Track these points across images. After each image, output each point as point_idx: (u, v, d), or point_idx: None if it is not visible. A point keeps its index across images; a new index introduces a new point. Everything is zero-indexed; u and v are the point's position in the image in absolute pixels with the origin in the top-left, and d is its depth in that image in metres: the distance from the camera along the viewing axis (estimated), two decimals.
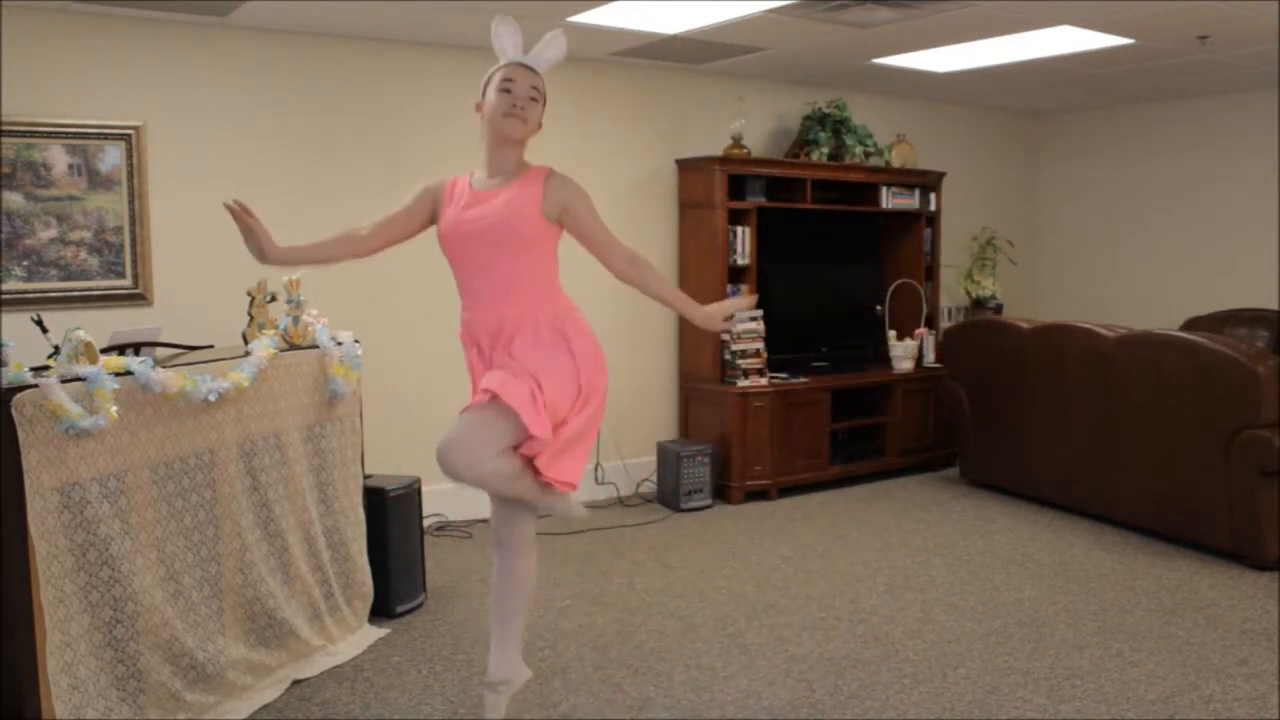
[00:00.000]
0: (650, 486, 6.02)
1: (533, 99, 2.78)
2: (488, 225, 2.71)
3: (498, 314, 2.74)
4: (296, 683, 3.42)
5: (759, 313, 5.94)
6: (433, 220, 2.87)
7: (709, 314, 3.02)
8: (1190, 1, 4.45)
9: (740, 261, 5.98)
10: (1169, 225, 7.27)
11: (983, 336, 5.94)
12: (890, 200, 6.60)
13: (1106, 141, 7.61)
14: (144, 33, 4.57)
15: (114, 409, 2.82)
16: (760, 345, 5.92)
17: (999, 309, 7.33)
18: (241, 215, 2.81)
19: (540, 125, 2.84)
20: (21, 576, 2.67)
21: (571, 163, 5.70)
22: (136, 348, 3.44)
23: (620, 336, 6.01)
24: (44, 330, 3.15)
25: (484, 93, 2.84)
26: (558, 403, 2.73)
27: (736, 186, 5.96)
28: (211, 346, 3.85)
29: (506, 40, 2.82)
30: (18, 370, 2.74)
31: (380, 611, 3.97)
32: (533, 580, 2.99)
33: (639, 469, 6.06)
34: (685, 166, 6.08)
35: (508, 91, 2.76)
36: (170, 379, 3.01)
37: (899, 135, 6.89)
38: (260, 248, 2.81)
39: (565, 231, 2.82)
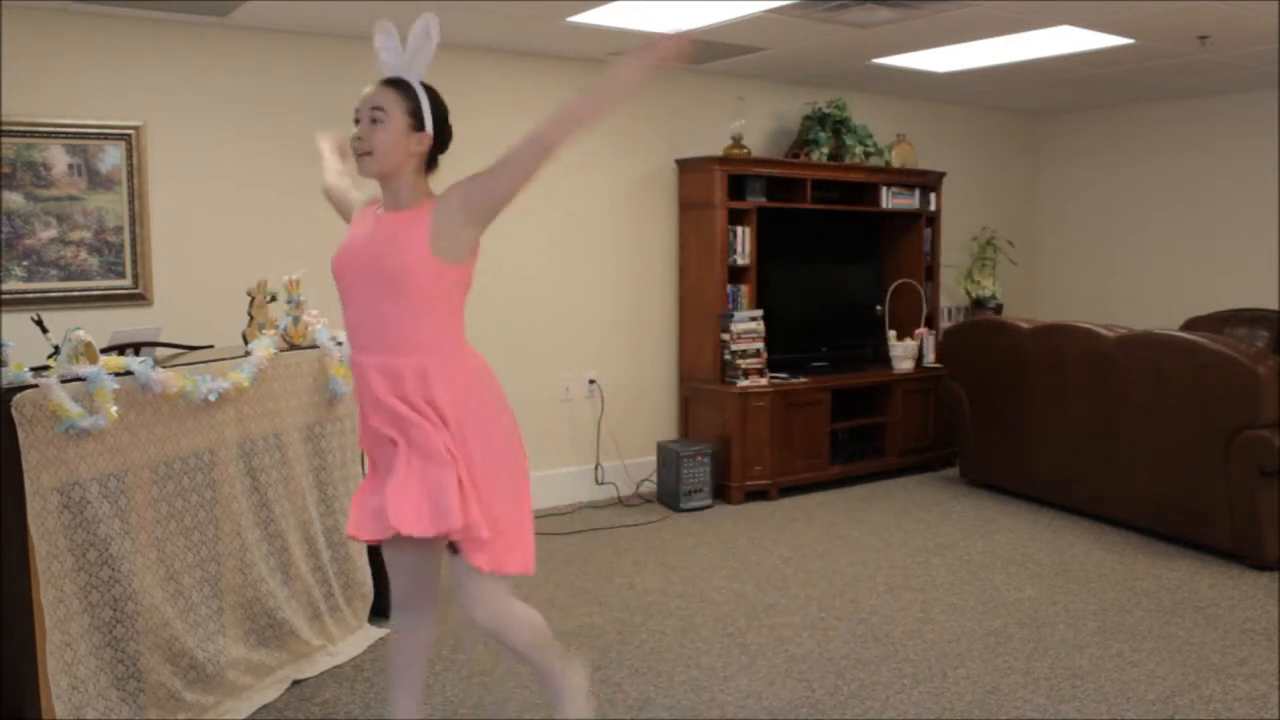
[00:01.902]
0: (650, 486, 6.02)
1: (374, 120, 2.32)
2: (375, 256, 2.30)
3: (387, 367, 2.32)
4: (296, 683, 3.42)
5: (759, 313, 5.95)
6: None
7: (626, 72, 2.38)
8: (1190, 1, 4.45)
9: (740, 261, 5.98)
10: (1169, 225, 7.27)
11: (983, 336, 5.94)
12: (890, 200, 6.60)
13: (1106, 141, 7.61)
14: (144, 33, 4.57)
15: (114, 409, 2.82)
16: (760, 345, 5.92)
17: (999, 309, 7.33)
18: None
19: (416, 143, 2.35)
20: (21, 576, 2.67)
21: (572, 163, 5.75)
22: (136, 348, 3.44)
23: (620, 337, 6.02)
24: (44, 330, 3.15)
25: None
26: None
27: (736, 186, 5.96)
28: (211, 346, 3.84)
29: (381, 50, 2.39)
30: (18, 370, 2.74)
31: (380, 611, 3.96)
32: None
33: (639, 469, 6.06)
34: (685, 166, 6.08)
35: (356, 122, 2.35)
36: (170, 379, 3.01)
37: (899, 135, 6.89)
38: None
39: (481, 213, 2.31)
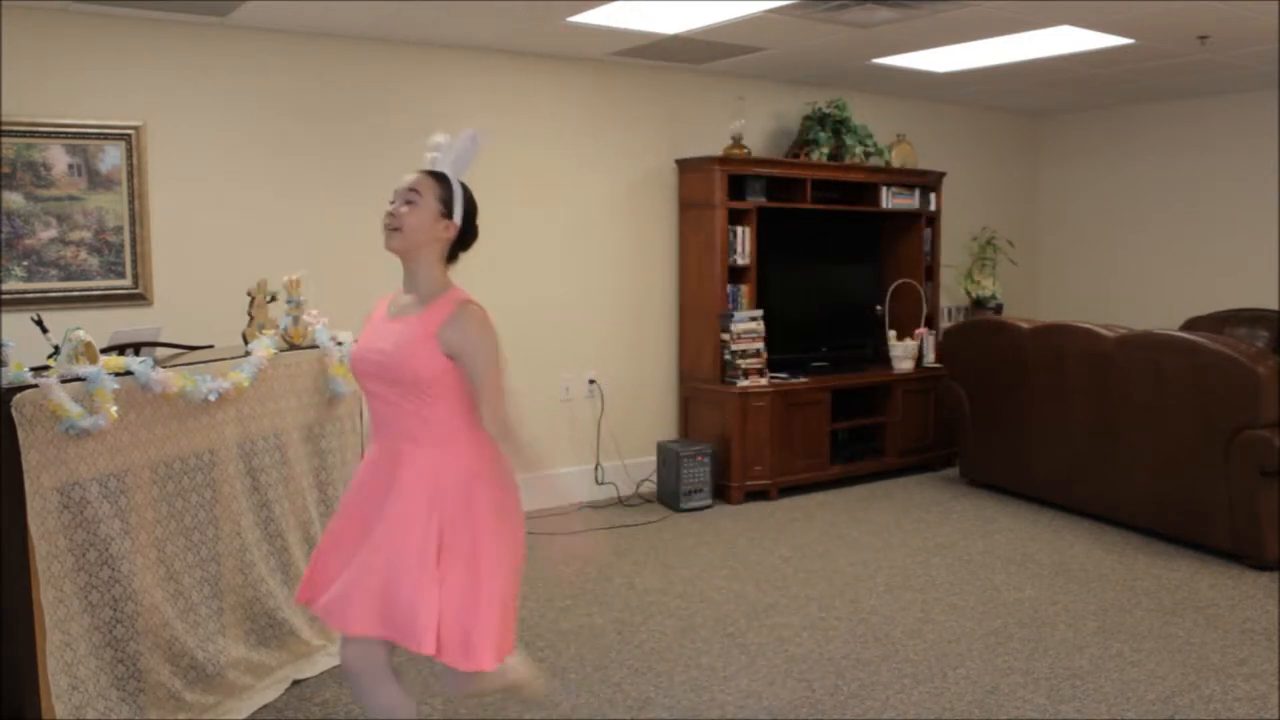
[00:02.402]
0: (650, 486, 6.02)
1: (409, 202, 2.46)
2: (385, 362, 2.42)
3: (395, 458, 2.44)
4: (296, 683, 3.42)
5: (759, 313, 5.95)
6: None
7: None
8: (1190, 1, 4.45)
9: (740, 261, 5.98)
10: (1169, 225, 7.26)
11: (983, 336, 5.94)
12: (890, 200, 6.60)
13: (1106, 141, 7.60)
14: (144, 33, 4.57)
15: (114, 409, 2.82)
16: (760, 345, 5.92)
17: (999, 309, 7.33)
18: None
19: (443, 229, 2.49)
20: (21, 576, 2.67)
21: (572, 162, 5.76)
22: (136, 348, 3.44)
23: (620, 337, 6.02)
24: (44, 330, 3.15)
25: None
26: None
27: (736, 186, 5.96)
28: (211, 346, 3.84)
29: (432, 150, 2.61)
30: (18, 370, 2.74)
31: None
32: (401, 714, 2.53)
33: (639, 469, 6.06)
34: (685, 166, 6.08)
35: (391, 202, 2.50)
36: (170, 379, 3.01)
37: (899, 135, 6.89)
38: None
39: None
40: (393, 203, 2.49)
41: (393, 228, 2.47)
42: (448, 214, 2.50)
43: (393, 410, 2.45)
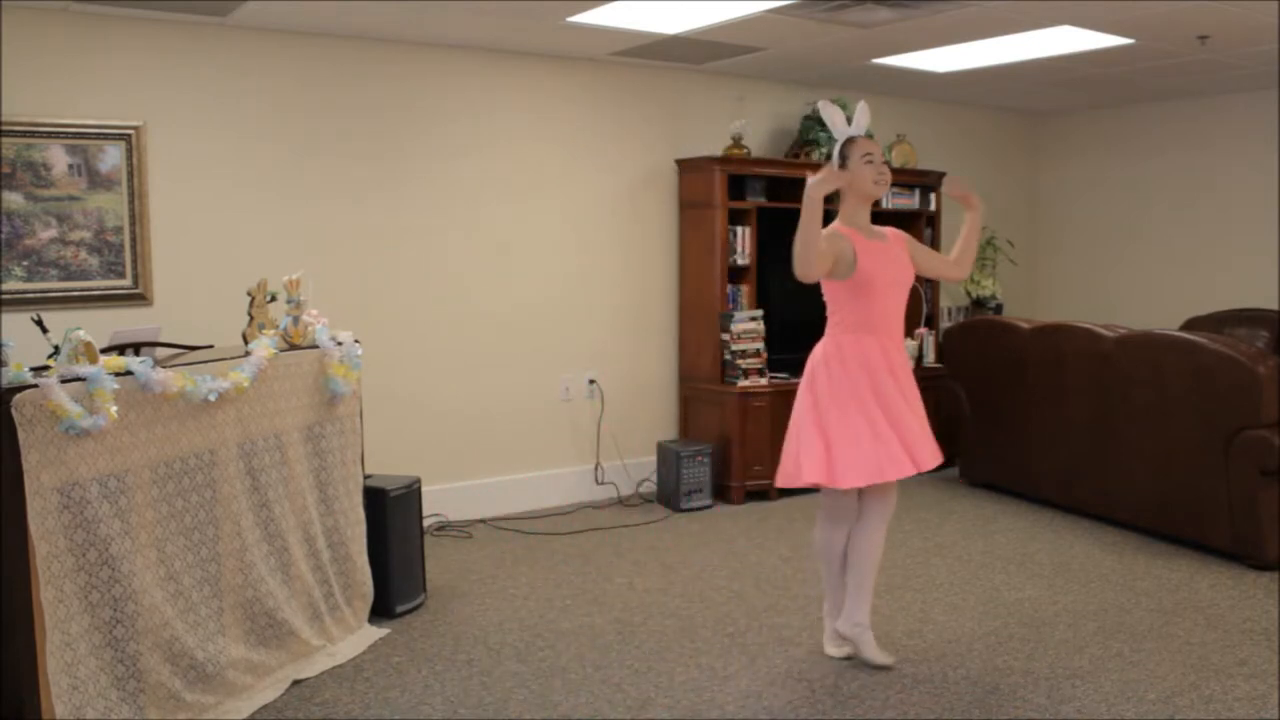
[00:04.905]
0: (650, 486, 6.02)
1: (887, 163, 3.48)
2: (899, 278, 3.49)
3: (884, 341, 3.47)
4: (296, 683, 3.42)
5: (759, 313, 5.94)
6: (833, 260, 3.41)
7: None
8: (1190, 1, 4.45)
9: (740, 261, 5.98)
10: (1169, 225, 7.26)
11: (983, 336, 5.94)
12: (890, 200, 6.60)
13: (1106, 141, 7.60)
14: (144, 33, 4.57)
15: (114, 409, 2.82)
16: (760, 345, 5.91)
17: (999, 309, 7.33)
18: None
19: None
20: (21, 576, 2.67)
21: (572, 163, 5.76)
22: (136, 348, 3.44)
23: (620, 337, 6.02)
24: (44, 330, 3.15)
25: (844, 162, 3.43)
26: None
27: (736, 186, 5.96)
28: (211, 346, 3.85)
29: (837, 118, 3.45)
30: (18, 370, 2.74)
31: (380, 611, 3.97)
32: (880, 550, 3.58)
33: (639, 469, 6.06)
34: (685, 166, 6.08)
35: (871, 163, 3.41)
36: (170, 379, 3.01)
37: (899, 135, 6.89)
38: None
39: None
40: (872, 162, 3.40)
41: (884, 183, 3.43)
42: None
43: (897, 309, 3.50)
